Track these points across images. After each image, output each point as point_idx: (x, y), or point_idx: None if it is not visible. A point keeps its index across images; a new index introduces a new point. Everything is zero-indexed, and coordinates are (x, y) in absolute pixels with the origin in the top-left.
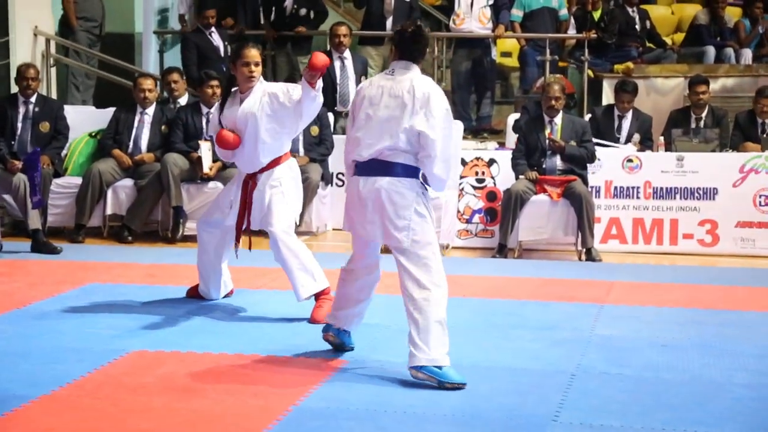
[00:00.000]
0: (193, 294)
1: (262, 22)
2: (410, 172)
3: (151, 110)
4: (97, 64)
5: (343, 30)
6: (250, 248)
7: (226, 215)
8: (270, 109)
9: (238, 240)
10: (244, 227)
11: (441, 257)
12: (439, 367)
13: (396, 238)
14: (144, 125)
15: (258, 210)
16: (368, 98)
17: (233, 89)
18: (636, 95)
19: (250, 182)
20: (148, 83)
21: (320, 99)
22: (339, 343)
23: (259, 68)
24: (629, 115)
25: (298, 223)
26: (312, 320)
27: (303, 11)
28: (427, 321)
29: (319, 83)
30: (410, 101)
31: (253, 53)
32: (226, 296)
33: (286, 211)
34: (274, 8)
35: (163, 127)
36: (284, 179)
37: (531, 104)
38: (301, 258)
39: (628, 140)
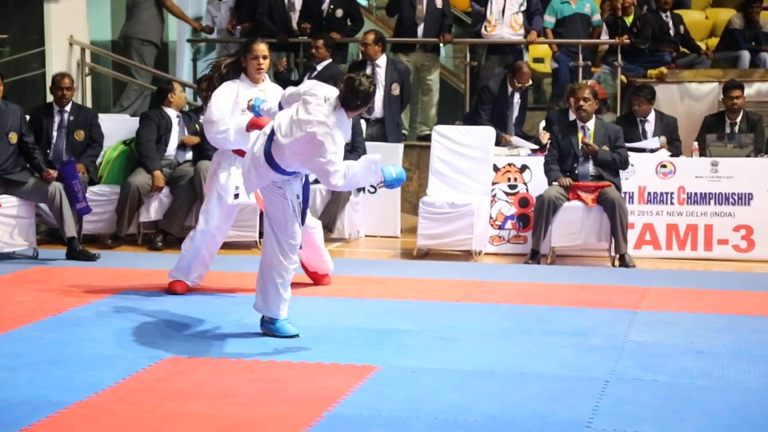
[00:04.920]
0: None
1: (294, 25)
2: (283, 171)
3: (180, 114)
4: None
5: (368, 38)
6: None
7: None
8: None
9: None
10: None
11: (294, 230)
12: (273, 321)
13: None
14: (185, 128)
15: None
16: (300, 108)
17: (239, 78)
18: (653, 100)
19: None
20: (181, 88)
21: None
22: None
23: (267, 61)
24: (652, 118)
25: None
26: None
27: (339, 12)
28: (264, 280)
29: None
30: (307, 141)
31: (262, 47)
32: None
33: None
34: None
35: (197, 126)
36: None
37: (554, 114)
38: None
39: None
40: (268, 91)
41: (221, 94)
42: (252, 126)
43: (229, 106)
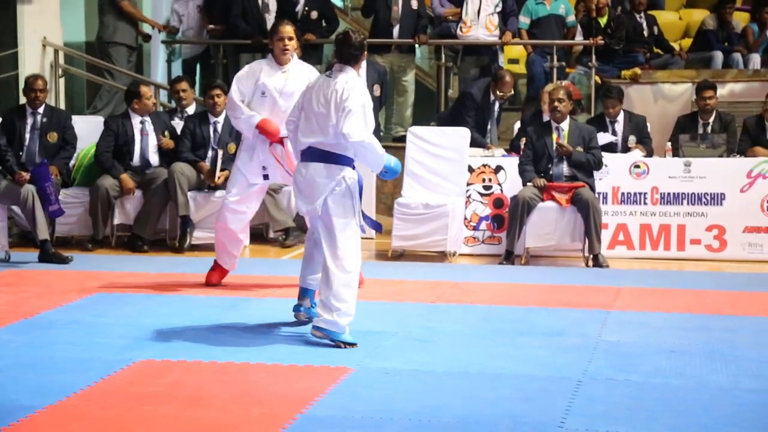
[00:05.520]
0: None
1: (269, 27)
2: (335, 159)
3: (148, 119)
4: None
5: None
6: None
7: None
8: None
9: None
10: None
11: (356, 235)
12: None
13: (313, 209)
14: (149, 135)
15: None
16: (312, 94)
17: (265, 59)
18: (622, 100)
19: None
20: (150, 91)
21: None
22: (308, 320)
23: (293, 42)
24: (621, 118)
25: None
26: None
27: (314, 14)
28: (337, 287)
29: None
30: (335, 104)
31: (287, 29)
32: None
33: None
34: (268, 12)
35: (167, 132)
36: None
37: (527, 116)
38: None
39: (624, 142)
40: (292, 73)
41: (243, 76)
42: (260, 129)
43: (250, 88)
